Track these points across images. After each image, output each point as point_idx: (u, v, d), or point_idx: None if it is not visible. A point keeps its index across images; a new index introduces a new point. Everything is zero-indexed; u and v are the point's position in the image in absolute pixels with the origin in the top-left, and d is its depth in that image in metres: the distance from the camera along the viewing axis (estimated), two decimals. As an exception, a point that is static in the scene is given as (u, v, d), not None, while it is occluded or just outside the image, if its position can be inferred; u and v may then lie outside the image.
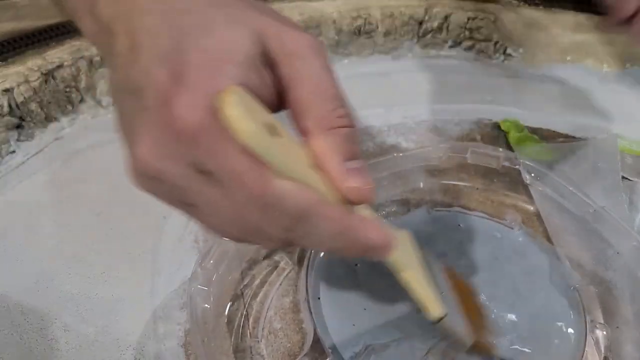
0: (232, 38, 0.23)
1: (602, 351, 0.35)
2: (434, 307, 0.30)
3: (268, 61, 0.24)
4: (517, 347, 0.35)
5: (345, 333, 0.35)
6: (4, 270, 0.40)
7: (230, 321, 0.37)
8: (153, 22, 0.23)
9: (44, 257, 0.41)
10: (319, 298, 0.37)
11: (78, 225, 0.43)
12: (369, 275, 0.38)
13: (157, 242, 0.42)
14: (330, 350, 0.34)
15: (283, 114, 0.26)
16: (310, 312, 0.36)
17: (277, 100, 0.25)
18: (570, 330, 0.36)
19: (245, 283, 0.38)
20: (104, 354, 0.35)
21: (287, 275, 0.39)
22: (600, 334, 0.36)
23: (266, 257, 0.40)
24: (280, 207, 0.22)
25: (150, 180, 0.23)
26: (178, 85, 0.22)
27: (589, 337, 0.35)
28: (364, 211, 0.27)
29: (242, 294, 0.38)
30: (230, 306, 0.37)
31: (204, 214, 0.24)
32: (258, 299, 0.38)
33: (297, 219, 0.23)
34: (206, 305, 0.35)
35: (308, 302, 0.36)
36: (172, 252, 0.41)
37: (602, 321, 0.37)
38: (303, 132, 0.25)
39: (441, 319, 0.30)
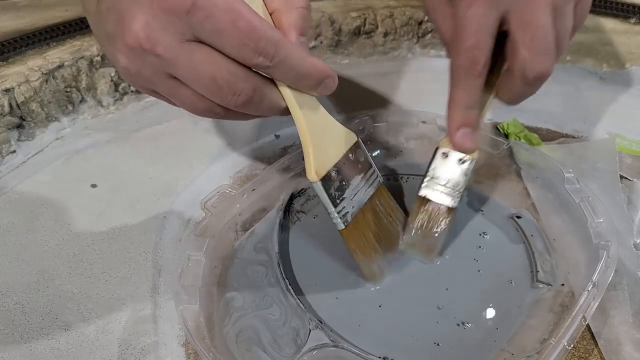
0: None
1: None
2: (310, 172, 0.34)
3: None
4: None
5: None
6: (5, 270, 0.40)
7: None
8: None
9: (44, 257, 0.41)
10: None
11: (78, 225, 0.43)
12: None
13: (157, 242, 0.42)
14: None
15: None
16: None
17: None
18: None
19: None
20: (104, 354, 0.35)
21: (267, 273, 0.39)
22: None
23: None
24: (261, 37, 0.29)
25: (140, 57, 0.29)
26: None
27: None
28: None
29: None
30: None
31: (183, 87, 0.31)
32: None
33: (275, 44, 0.29)
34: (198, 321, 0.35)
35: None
36: (172, 252, 0.41)
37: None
38: (273, 13, 0.32)
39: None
